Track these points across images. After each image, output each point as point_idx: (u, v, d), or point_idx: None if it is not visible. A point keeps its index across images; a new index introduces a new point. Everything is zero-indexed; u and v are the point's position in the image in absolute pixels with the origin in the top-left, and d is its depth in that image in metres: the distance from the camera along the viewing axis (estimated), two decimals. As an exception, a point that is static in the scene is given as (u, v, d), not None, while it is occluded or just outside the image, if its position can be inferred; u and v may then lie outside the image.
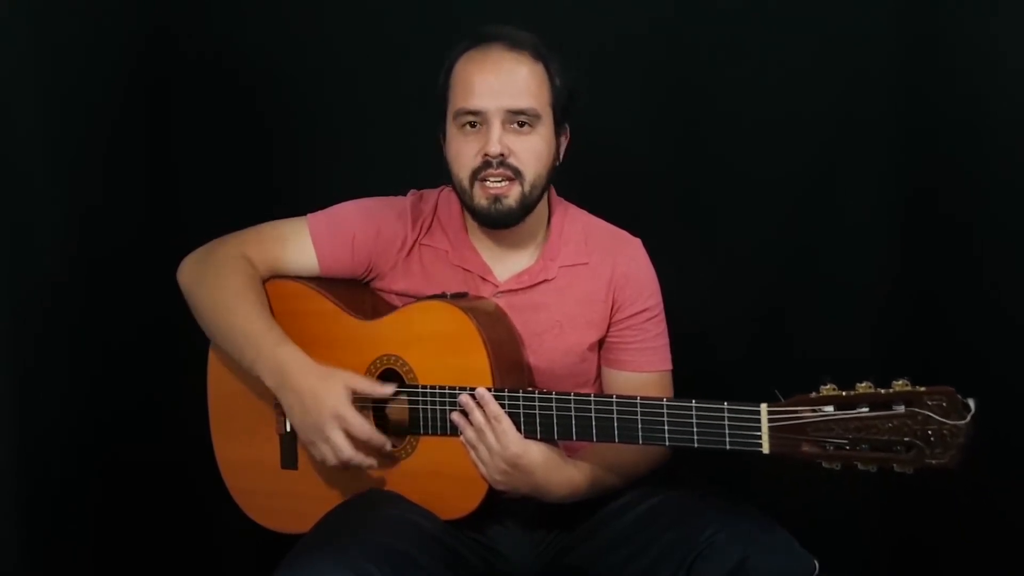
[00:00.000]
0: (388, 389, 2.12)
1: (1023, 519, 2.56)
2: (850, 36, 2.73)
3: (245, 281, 2.23)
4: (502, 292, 2.24)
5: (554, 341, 2.23)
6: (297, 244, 2.27)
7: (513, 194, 2.15)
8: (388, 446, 2.11)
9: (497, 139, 2.12)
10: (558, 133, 2.22)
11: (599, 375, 2.32)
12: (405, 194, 2.37)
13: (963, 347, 2.68)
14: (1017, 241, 2.60)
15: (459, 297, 2.18)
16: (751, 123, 2.80)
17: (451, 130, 2.18)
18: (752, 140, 2.81)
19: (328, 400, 2.07)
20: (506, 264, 2.27)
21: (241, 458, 2.34)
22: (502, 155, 2.12)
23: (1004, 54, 2.59)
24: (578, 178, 2.33)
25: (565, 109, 2.22)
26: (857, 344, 2.79)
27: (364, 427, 2.07)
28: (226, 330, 2.20)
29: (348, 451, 2.06)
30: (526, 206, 2.17)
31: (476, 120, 2.14)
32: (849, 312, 2.80)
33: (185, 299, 2.30)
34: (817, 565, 1.94)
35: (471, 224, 2.27)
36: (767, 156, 2.80)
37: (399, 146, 2.78)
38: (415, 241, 2.28)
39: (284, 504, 2.28)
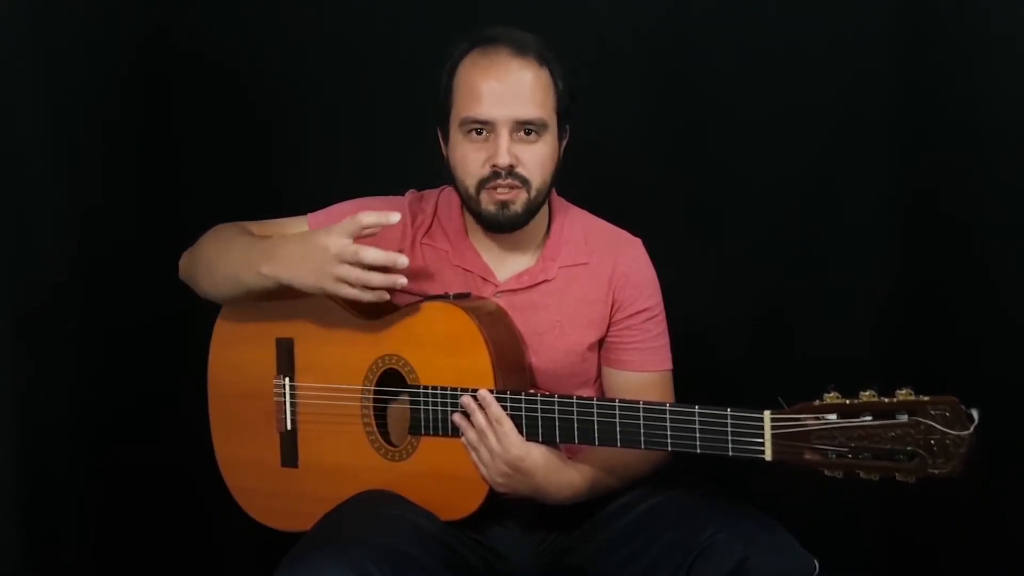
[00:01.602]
0: (387, 217, 2.07)
1: (1023, 519, 2.57)
2: (850, 35, 2.72)
3: (234, 227, 2.27)
4: (502, 292, 2.24)
5: (554, 341, 2.23)
6: None
7: (520, 200, 2.15)
8: (404, 259, 2.04)
9: (506, 150, 2.11)
10: (560, 136, 2.22)
11: (600, 375, 2.32)
12: (404, 194, 2.37)
13: (963, 347, 2.68)
14: (1017, 240, 2.59)
15: (461, 297, 2.18)
16: (751, 123, 2.80)
17: (455, 135, 2.18)
18: (752, 140, 2.81)
19: (318, 240, 2.05)
20: (506, 264, 2.27)
21: (241, 457, 2.34)
22: (511, 166, 2.12)
23: (1004, 53, 2.59)
24: (578, 178, 2.32)
25: (567, 111, 2.22)
26: (857, 344, 2.79)
27: (358, 250, 2.02)
28: (223, 264, 2.20)
29: (365, 276, 2.02)
30: (531, 211, 2.18)
31: (483, 128, 2.13)
32: (849, 312, 2.80)
33: (186, 279, 2.31)
34: (817, 565, 1.94)
35: (471, 224, 2.27)
36: (767, 156, 2.80)
37: (399, 146, 2.77)
38: (414, 238, 2.28)
39: (284, 503, 2.28)
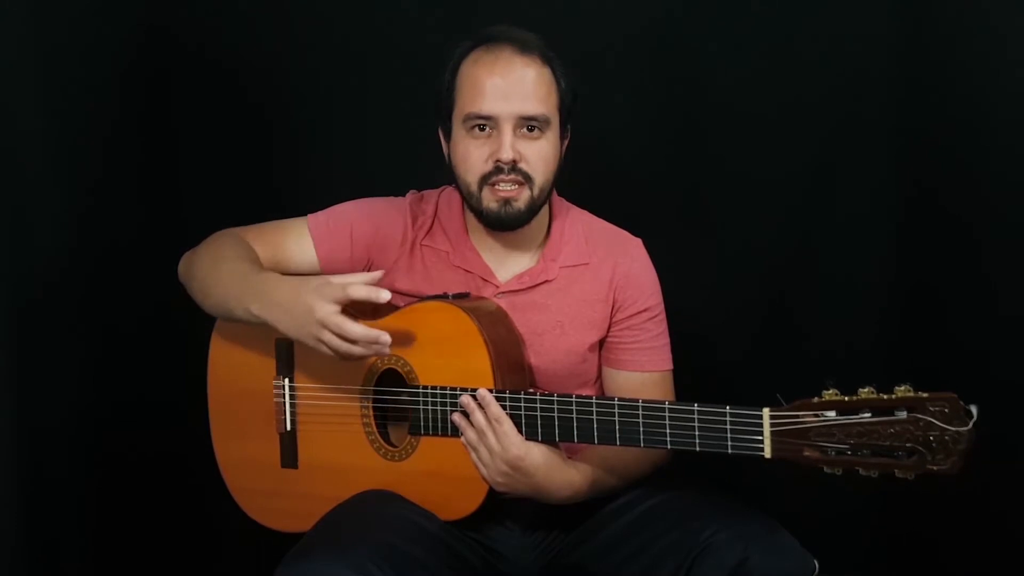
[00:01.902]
0: (373, 276, 2.08)
1: (1023, 519, 2.56)
2: (850, 35, 2.72)
3: (235, 243, 2.25)
4: (503, 293, 2.24)
5: (555, 341, 2.23)
6: (296, 238, 2.28)
7: (523, 198, 2.15)
8: (386, 295, 2.03)
9: (509, 145, 2.11)
10: (563, 135, 2.22)
11: (600, 375, 2.32)
12: (405, 194, 2.36)
13: (963, 344, 2.67)
14: (1017, 239, 2.59)
15: (461, 297, 2.18)
16: (751, 122, 2.80)
17: (458, 132, 2.18)
18: (752, 139, 2.81)
19: (307, 287, 2.05)
20: (507, 265, 2.27)
21: (241, 457, 2.34)
22: (514, 161, 2.12)
23: (1004, 51, 2.58)
24: (578, 178, 2.32)
25: (569, 111, 2.22)
26: (857, 342, 2.79)
27: (347, 326, 2.01)
28: (216, 286, 2.19)
29: (345, 323, 2.01)
30: (533, 209, 2.18)
31: (486, 124, 2.13)
32: (849, 310, 2.80)
33: (184, 285, 2.31)
34: (817, 565, 1.94)
35: (472, 225, 2.27)
36: (767, 155, 2.80)
37: (399, 146, 2.78)
38: (415, 239, 2.28)
39: (284, 503, 2.28)
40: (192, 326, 2.38)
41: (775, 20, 2.76)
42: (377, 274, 2.09)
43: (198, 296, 2.25)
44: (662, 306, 2.31)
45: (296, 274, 2.25)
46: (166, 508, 2.85)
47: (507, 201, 2.14)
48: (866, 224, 2.78)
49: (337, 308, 2.01)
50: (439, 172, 2.27)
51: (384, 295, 2.03)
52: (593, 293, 2.26)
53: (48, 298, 2.57)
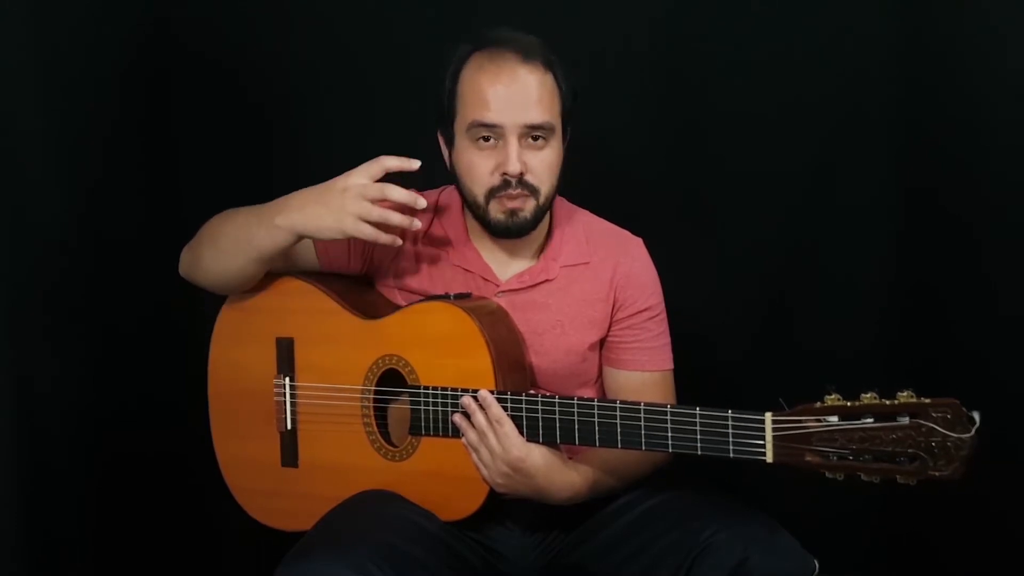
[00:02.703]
0: (409, 164, 2.11)
1: (1023, 519, 2.57)
2: (850, 35, 2.73)
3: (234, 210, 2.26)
4: (503, 292, 2.24)
5: (555, 340, 2.23)
6: None
7: (529, 207, 2.15)
8: (423, 201, 2.10)
9: (516, 157, 2.11)
10: (564, 138, 2.22)
11: (601, 375, 2.32)
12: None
13: (963, 344, 2.68)
14: (1017, 237, 2.60)
15: (462, 298, 2.18)
16: (751, 122, 2.80)
17: (461, 141, 2.17)
18: (752, 139, 2.81)
19: (336, 185, 2.10)
20: (507, 264, 2.27)
21: (241, 456, 2.34)
22: (521, 173, 2.11)
23: (1004, 50, 2.59)
24: (578, 178, 2.30)
25: (570, 113, 2.21)
26: (858, 341, 2.79)
27: (383, 187, 2.07)
28: (227, 238, 2.21)
29: (385, 211, 2.06)
30: (539, 217, 2.18)
31: (491, 135, 2.13)
32: (850, 310, 2.81)
33: (188, 274, 2.31)
34: (817, 565, 1.95)
35: (472, 225, 2.27)
36: (767, 155, 2.80)
37: (399, 146, 2.75)
38: (415, 239, 2.28)
39: (285, 503, 2.28)
40: (192, 326, 2.39)
41: (775, 20, 2.76)
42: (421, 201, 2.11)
43: (207, 253, 2.25)
44: (663, 305, 2.31)
45: (295, 271, 2.27)
46: (166, 508, 2.85)
47: (514, 212, 2.14)
48: (866, 224, 2.78)
49: (373, 181, 2.07)
50: (439, 172, 2.27)
51: (421, 202, 2.09)
52: (593, 292, 2.26)
53: (48, 298, 2.58)
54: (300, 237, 2.14)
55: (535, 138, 2.13)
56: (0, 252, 2.47)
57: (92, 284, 2.70)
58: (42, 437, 2.56)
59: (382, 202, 2.08)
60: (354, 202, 2.06)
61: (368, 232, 2.07)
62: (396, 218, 2.07)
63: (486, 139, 2.13)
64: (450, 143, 2.22)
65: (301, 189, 2.15)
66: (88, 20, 2.67)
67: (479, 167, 2.14)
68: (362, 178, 2.07)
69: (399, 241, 2.11)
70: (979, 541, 2.64)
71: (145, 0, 2.83)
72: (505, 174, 2.12)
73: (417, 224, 2.09)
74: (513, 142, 2.11)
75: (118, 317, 2.76)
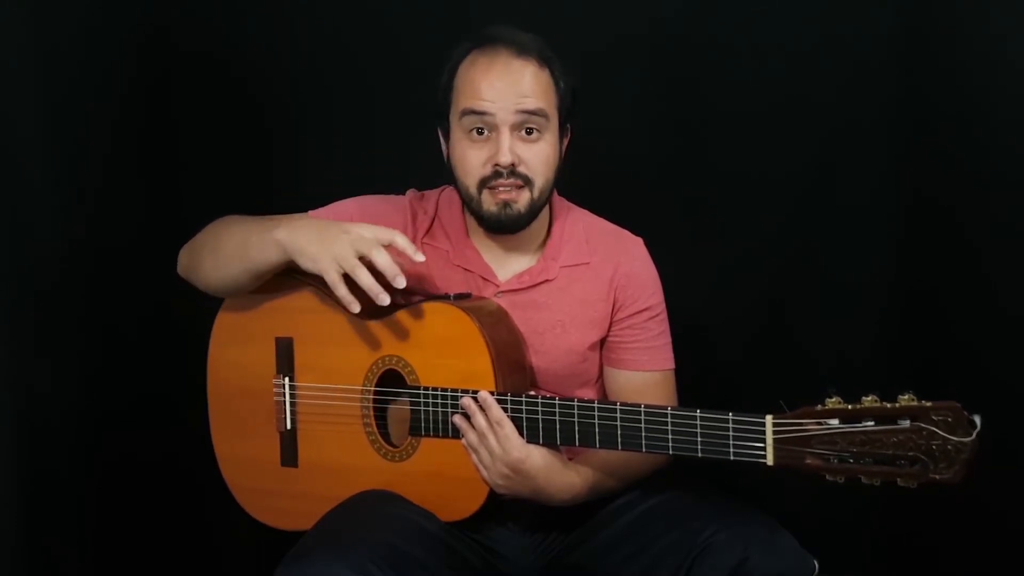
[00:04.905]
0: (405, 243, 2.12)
1: (1023, 519, 2.58)
2: (850, 35, 2.72)
3: (235, 216, 2.27)
4: (503, 292, 2.24)
5: (556, 340, 2.23)
6: None
7: (522, 200, 2.15)
8: (400, 280, 2.07)
9: (508, 148, 2.11)
10: (562, 135, 2.22)
11: (601, 375, 2.32)
12: (405, 193, 2.37)
13: (964, 345, 2.68)
14: (1017, 237, 2.60)
15: (462, 298, 2.18)
16: (751, 123, 2.79)
17: (456, 133, 2.18)
18: (752, 140, 2.80)
19: (341, 226, 2.11)
20: (507, 264, 2.27)
21: (241, 456, 2.34)
22: (512, 164, 2.12)
23: (1004, 50, 2.58)
24: (578, 178, 2.32)
25: (569, 111, 2.22)
26: (858, 342, 2.79)
27: (374, 241, 2.07)
28: (228, 244, 2.21)
29: (360, 268, 2.06)
30: (533, 211, 2.18)
31: (483, 126, 2.13)
32: (849, 310, 2.80)
33: (187, 274, 2.32)
34: (817, 565, 1.95)
35: (472, 225, 2.27)
36: (767, 156, 2.80)
37: (399, 146, 2.77)
38: (415, 238, 2.28)
39: (284, 503, 2.28)
40: (192, 326, 2.38)
41: (775, 20, 2.75)
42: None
43: (207, 267, 2.26)
44: (663, 305, 2.31)
45: (295, 271, 2.25)
46: (166, 508, 2.86)
47: (507, 204, 2.15)
48: (866, 224, 2.78)
49: (375, 240, 2.07)
50: (439, 172, 2.27)
51: (420, 256, 2.10)
52: (594, 292, 2.26)
53: (48, 298, 2.58)
54: (288, 257, 2.13)
55: (529, 131, 2.13)
56: (0, 252, 2.47)
57: (92, 285, 2.70)
58: (42, 437, 2.57)
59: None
60: (344, 247, 2.06)
61: (334, 277, 2.07)
62: (366, 280, 2.06)
63: (480, 131, 2.14)
64: (447, 137, 2.22)
65: (297, 215, 2.19)
66: (88, 22, 2.68)
67: (472, 158, 2.15)
68: (368, 232, 2.07)
69: (356, 306, 2.09)
70: (979, 542, 2.64)
71: (145, 4, 2.83)
72: (497, 165, 2.12)
73: (385, 300, 2.07)
74: (505, 133, 2.12)
75: (118, 317, 2.77)
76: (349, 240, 2.07)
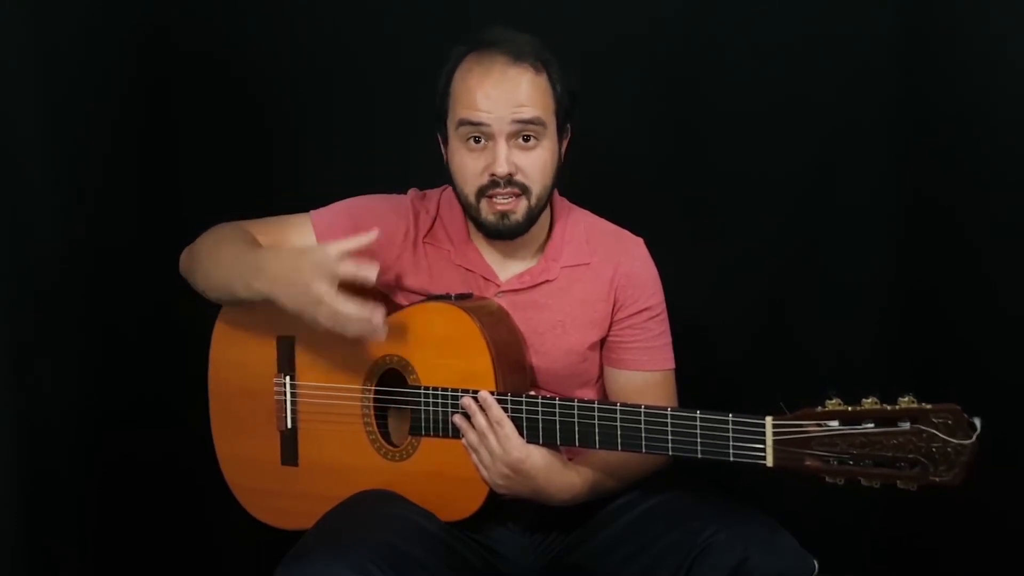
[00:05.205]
0: (367, 238, 2.11)
1: (1023, 519, 2.58)
2: (850, 35, 2.72)
3: (235, 228, 2.26)
4: (504, 292, 2.24)
5: (556, 341, 2.24)
6: (299, 234, 2.28)
7: (520, 209, 2.15)
8: (372, 276, 2.06)
9: (504, 159, 2.11)
10: (561, 138, 2.21)
11: (601, 375, 2.32)
12: (407, 192, 2.37)
13: (964, 346, 2.68)
14: (1017, 237, 2.60)
15: (463, 298, 2.18)
16: (751, 123, 2.79)
17: (454, 142, 2.18)
18: (752, 140, 2.80)
19: (304, 261, 2.07)
20: (508, 265, 2.27)
21: (242, 455, 2.34)
22: (509, 174, 2.12)
23: (1004, 50, 2.58)
24: (578, 178, 2.32)
25: (567, 113, 2.21)
26: (858, 342, 2.79)
27: (340, 305, 2.04)
28: (218, 268, 2.21)
29: (339, 302, 2.03)
30: (532, 218, 2.18)
31: (480, 135, 2.13)
32: (849, 310, 2.80)
33: (186, 276, 2.31)
34: (816, 566, 1.95)
35: (472, 226, 2.26)
36: (767, 156, 2.80)
37: (399, 146, 2.77)
38: (416, 237, 2.28)
39: (285, 502, 2.28)
40: (192, 326, 2.38)
41: (775, 20, 2.75)
42: (367, 237, 2.10)
43: (201, 283, 2.26)
44: (664, 305, 2.31)
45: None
46: (166, 508, 2.85)
47: (504, 214, 2.15)
48: (866, 224, 2.78)
49: (333, 285, 2.03)
50: (439, 172, 2.27)
51: (371, 275, 2.05)
52: (594, 293, 2.26)
53: (48, 298, 2.57)
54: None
55: (526, 138, 2.13)
56: (0, 252, 2.47)
57: (92, 284, 2.70)
58: (42, 437, 2.56)
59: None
60: (312, 305, 2.05)
61: (324, 317, 2.06)
62: (354, 330, 2.06)
63: (476, 140, 2.14)
64: (446, 142, 2.22)
65: (280, 254, 2.16)
66: (88, 22, 2.67)
67: (469, 167, 2.15)
68: (321, 285, 2.04)
69: (363, 332, 2.08)
70: (979, 542, 2.64)
71: (145, 4, 2.82)
72: (493, 175, 2.12)
73: (381, 335, 2.08)
74: (501, 143, 2.11)
75: (118, 317, 2.76)
76: (314, 285, 2.04)
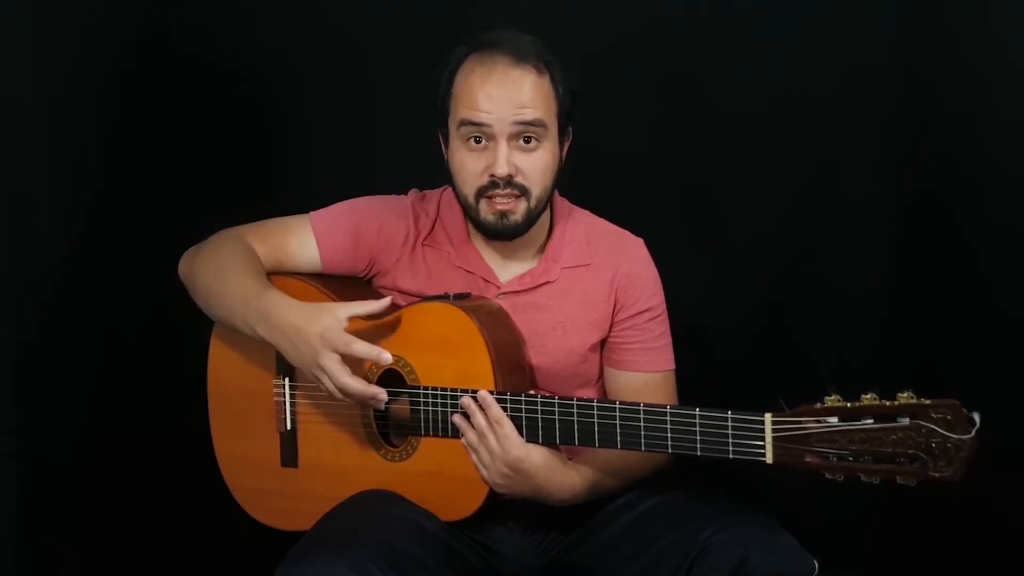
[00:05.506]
0: (383, 304, 2.11)
1: (1023, 519, 2.58)
2: (850, 35, 2.72)
3: (239, 250, 2.24)
4: (504, 293, 2.24)
5: (556, 341, 2.23)
6: (299, 236, 2.28)
7: (520, 210, 2.15)
8: (388, 357, 2.06)
9: (504, 160, 2.11)
10: (562, 140, 2.21)
11: (601, 375, 2.32)
12: (406, 193, 2.36)
13: (964, 345, 2.68)
14: (1017, 237, 2.60)
15: (462, 298, 2.18)
16: (751, 123, 2.79)
17: (455, 141, 2.18)
18: (752, 140, 2.80)
19: (314, 327, 2.05)
20: (508, 266, 2.27)
21: (241, 456, 2.34)
22: (509, 176, 2.12)
23: (1004, 50, 2.58)
24: (578, 178, 2.32)
25: (569, 115, 2.21)
26: (858, 342, 2.78)
27: (355, 345, 2.04)
28: (221, 298, 2.20)
29: (343, 376, 2.03)
30: (531, 219, 2.18)
31: (481, 135, 2.13)
32: (849, 310, 2.79)
33: (185, 286, 2.31)
34: (816, 566, 1.95)
35: (472, 227, 2.26)
36: (767, 156, 2.79)
37: (399, 146, 2.77)
38: (416, 239, 2.28)
39: (285, 502, 2.28)
40: (192, 326, 2.38)
41: (775, 20, 2.75)
42: (379, 304, 2.11)
43: (200, 303, 2.26)
44: (664, 306, 2.31)
45: (298, 271, 2.27)
46: (166, 508, 2.85)
47: (504, 215, 2.15)
48: (866, 224, 2.77)
49: (339, 357, 2.04)
50: (439, 172, 2.27)
51: (385, 358, 2.05)
52: (594, 293, 2.26)
53: (48, 298, 2.58)
54: None
55: (527, 139, 2.13)
56: (0, 252, 2.47)
57: (92, 284, 2.70)
58: (42, 437, 2.56)
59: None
60: (316, 369, 2.06)
61: (329, 387, 2.07)
62: (356, 390, 2.05)
63: (477, 140, 2.14)
64: (447, 143, 2.22)
65: (290, 307, 2.12)
66: (88, 22, 2.67)
67: (469, 167, 2.15)
68: (328, 356, 2.04)
69: (370, 390, 2.07)
70: (979, 542, 2.64)
71: (145, 4, 2.82)
72: (493, 176, 2.12)
73: (382, 399, 2.08)
74: (502, 144, 2.11)
75: (118, 317, 2.77)
76: (321, 355, 2.04)
